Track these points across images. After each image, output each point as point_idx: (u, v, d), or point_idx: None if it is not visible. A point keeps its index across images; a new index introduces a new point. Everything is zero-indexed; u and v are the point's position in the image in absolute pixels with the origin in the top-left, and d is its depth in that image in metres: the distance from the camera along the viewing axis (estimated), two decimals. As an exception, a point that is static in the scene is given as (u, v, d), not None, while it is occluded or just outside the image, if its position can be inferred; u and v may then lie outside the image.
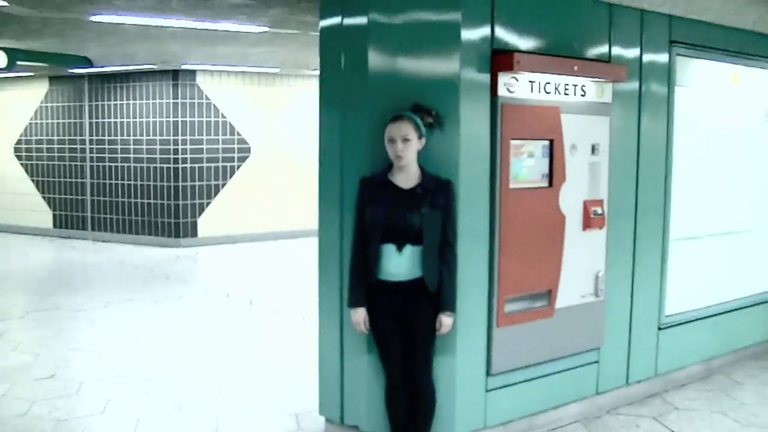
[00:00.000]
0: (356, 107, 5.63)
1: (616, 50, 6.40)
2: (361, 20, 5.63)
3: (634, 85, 6.59)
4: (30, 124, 17.50)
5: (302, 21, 8.56)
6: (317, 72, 6.11)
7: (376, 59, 5.52)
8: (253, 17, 8.43)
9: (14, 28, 9.87)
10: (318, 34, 6.15)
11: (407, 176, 5.13)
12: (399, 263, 5.04)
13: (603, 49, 6.30)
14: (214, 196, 15.99)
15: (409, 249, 5.02)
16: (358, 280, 5.19)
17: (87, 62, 13.88)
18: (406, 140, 5.03)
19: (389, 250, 5.04)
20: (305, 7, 7.04)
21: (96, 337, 8.96)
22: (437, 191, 5.12)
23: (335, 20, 5.85)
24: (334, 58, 5.85)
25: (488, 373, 5.71)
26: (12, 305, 10.56)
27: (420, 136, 5.11)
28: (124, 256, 14.65)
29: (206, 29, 9.58)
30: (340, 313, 5.75)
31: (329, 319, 5.89)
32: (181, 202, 15.66)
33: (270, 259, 14.57)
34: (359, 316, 5.16)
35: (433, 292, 5.09)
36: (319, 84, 6.08)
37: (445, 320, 5.13)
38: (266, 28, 9.29)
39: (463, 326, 5.45)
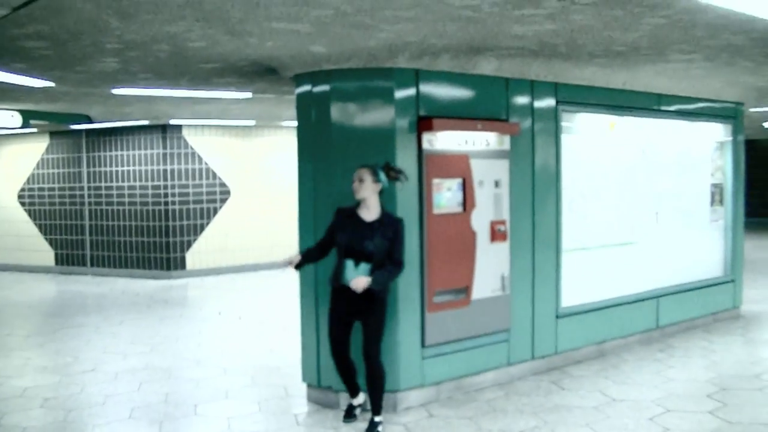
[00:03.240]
0: (323, 155, 7.88)
1: (513, 110, 8.72)
2: (325, 87, 7.91)
3: (528, 135, 8.89)
4: (33, 173, 19.63)
5: (279, 89, 10.79)
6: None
7: (336, 116, 7.82)
8: (240, 88, 10.67)
9: (37, 96, 11.67)
10: (291, 96, 8.45)
11: (369, 211, 7.12)
12: (354, 275, 7.03)
13: (502, 110, 8.61)
14: (200, 233, 18.17)
15: (363, 265, 7.00)
16: (307, 250, 7.45)
17: (87, 119, 15.82)
18: (360, 180, 7.09)
19: (349, 264, 7.07)
20: (282, 80, 9.24)
21: (119, 343, 11.11)
22: (388, 225, 7.10)
23: (307, 88, 8.11)
24: (306, 116, 8.12)
25: (423, 345, 7.96)
26: (42, 325, 12.73)
27: (375, 181, 7.09)
28: (123, 287, 16.79)
29: (201, 97, 11.81)
30: (316, 308, 7.98)
31: (308, 312, 8.14)
32: (171, 239, 17.82)
33: (251, 286, 16.76)
34: (293, 258, 7.28)
35: (378, 297, 7.11)
36: (297, 138, 8.30)
37: (362, 279, 6.85)
38: (249, 95, 11.55)
39: (403, 311, 7.69)
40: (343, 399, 7.84)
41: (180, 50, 7.59)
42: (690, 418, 7.44)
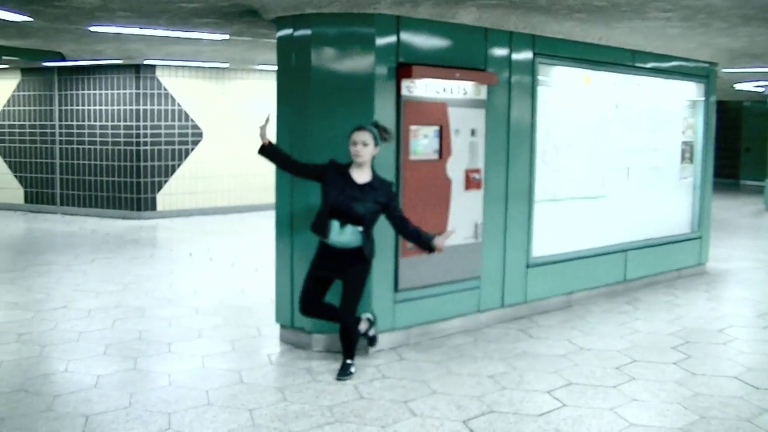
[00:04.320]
0: (302, 99, 7.90)
1: (491, 60, 8.78)
2: (306, 32, 7.91)
3: (504, 86, 8.97)
4: (3, 110, 19.45)
5: (257, 32, 10.76)
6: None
7: (316, 61, 7.82)
8: (218, 29, 10.63)
9: (10, 31, 11.50)
10: (267, 40, 8.39)
11: (362, 174, 7.05)
12: (340, 236, 6.99)
13: (480, 60, 8.68)
14: (171, 174, 18.18)
15: (349, 227, 6.97)
16: (284, 153, 7.43)
17: (60, 57, 15.72)
18: (365, 144, 7.01)
19: (335, 225, 7.02)
20: (261, 23, 9.24)
21: (90, 282, 11.15)
22: (380, 189, 7.06)
23: (288, 31, 8.10)
24: (286, 60, 8.11)
25: (395, 290, 8.09)
26: (12, 262, 12.71)
27: (376, 145, 7.06)
28: (93, 226, 16.78)
29: (177, 37, 11.75)
30: (291, 250, 8.05)
31: (283, 253, 8.19)
32: (142, 180, 17.80)
33: (221, 229, 16.81)
34: (265, 137, 7.20)
35: (368, 258, 7.15)
36: (277, 82, 8.28)
37: (439, 240, 7.07)
38: (227, 36, 11.51)
39: (378, 256, 7.68)
40: (316, 341, 7.96)
41: (162, -12, 7.58)
42: (655, 368, 7.63)
